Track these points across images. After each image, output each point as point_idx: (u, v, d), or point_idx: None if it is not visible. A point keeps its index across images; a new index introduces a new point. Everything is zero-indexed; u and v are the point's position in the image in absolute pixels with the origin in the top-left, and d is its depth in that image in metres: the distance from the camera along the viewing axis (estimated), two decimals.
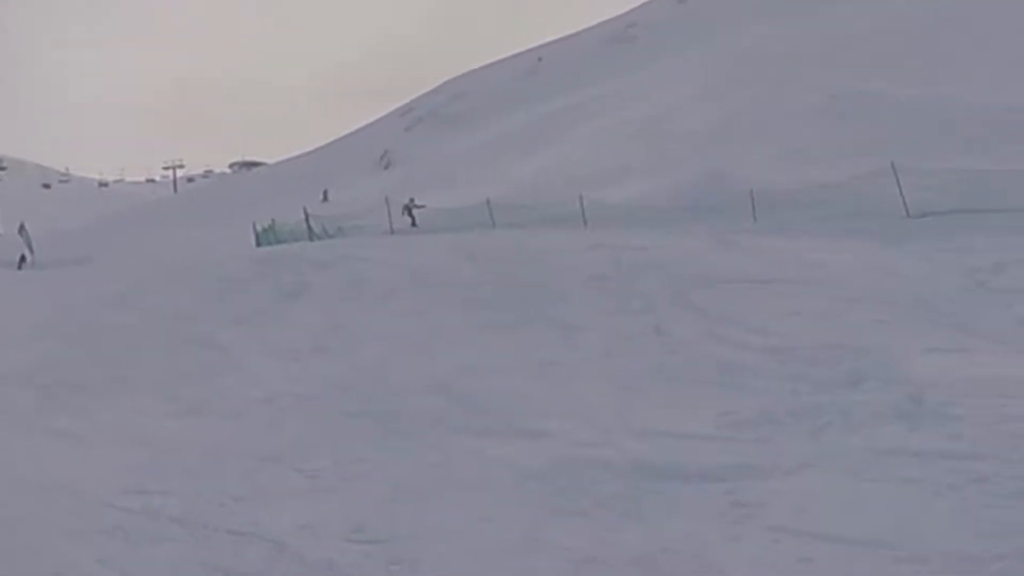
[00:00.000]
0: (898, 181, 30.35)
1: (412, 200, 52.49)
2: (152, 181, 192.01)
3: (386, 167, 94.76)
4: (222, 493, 11.19)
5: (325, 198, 68.49)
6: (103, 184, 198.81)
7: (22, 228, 68.57)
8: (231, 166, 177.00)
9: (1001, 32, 64.76)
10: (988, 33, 65.12)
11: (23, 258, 58.98)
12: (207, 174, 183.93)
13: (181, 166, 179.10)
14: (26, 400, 16.06)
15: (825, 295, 18.80)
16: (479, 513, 10.14)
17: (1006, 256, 21.23)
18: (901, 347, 14.89)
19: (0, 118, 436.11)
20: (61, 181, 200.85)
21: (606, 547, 9.12)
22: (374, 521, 10.03)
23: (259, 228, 49.05)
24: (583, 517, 9.82)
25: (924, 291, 18.65)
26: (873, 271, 20.75)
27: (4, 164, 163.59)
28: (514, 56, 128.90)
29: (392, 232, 41.64)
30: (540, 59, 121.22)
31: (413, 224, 50.41)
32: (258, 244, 45.31)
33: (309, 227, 46.44)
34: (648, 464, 11.10)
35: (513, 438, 12.50)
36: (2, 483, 11.85)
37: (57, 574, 9.30)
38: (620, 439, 12.10)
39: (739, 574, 8.40)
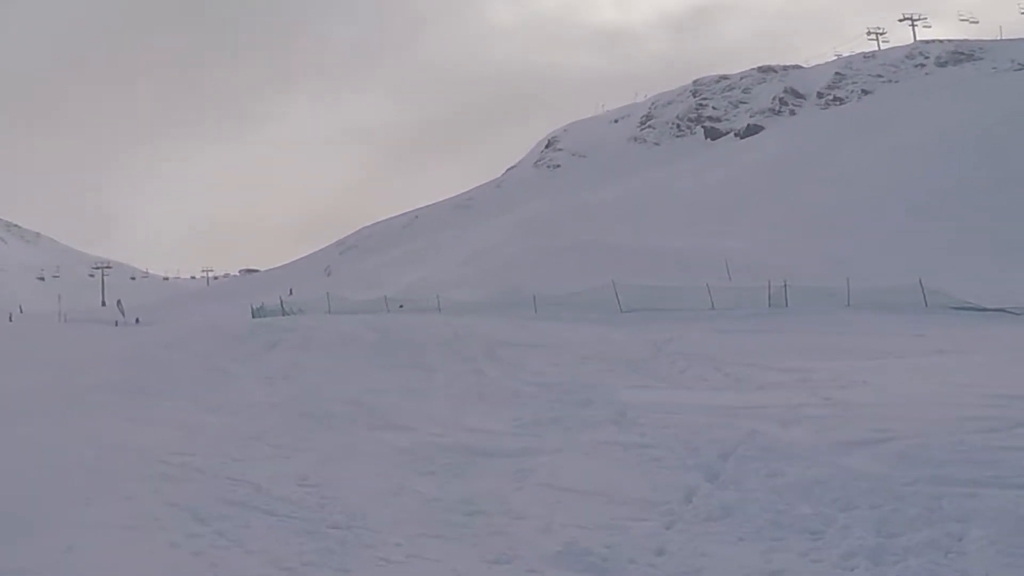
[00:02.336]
0: (616, 291, 30.92)
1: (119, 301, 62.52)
2: (194, 277, 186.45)
3: (328, 275, 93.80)
4: (225, 456, 10.89)
5: (291, 293, 67.21)
6: (165, 278, 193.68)
7: (119, 303, 70.22)
8: (240, 271, 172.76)
9: (683, 204, 67.00)
10: (675, 203, 67.28)
11: (117, 321, 58.05)
12: (226, 275, 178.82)
13: (211, 270, 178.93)
14: (112, 399, 15.55)
15: (571, 354, 19.04)
16: (373, 471, 10.06)
17: (671, 334, 21.81)
18: (613, 384, 15.10)
19: (109, 235, 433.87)
20: (142, 276, 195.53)
21: (445, 493, 9.15)
22: (313, 475, 9.84)
23: (254, 307, 47.94)
24: (431, 476, 9.82)
25: (626, 353, 19.00)
26: (598, 341, 21.08)
27: (110, 265, 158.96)
28: (402, 213, 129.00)
29: (329, 312, 41.00)
30: (416, 217, 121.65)
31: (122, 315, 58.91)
32: (253, 316, 44.18)
33: (282, 308, 45.59)
34: (469, 447, 11.10)
35: (393, 431, 12.36)
36: (96, 446, 11.51)
37: (127, 497, 9.04)
38: (453, 432, 12.08)
39: (519, 507, 8.49)
